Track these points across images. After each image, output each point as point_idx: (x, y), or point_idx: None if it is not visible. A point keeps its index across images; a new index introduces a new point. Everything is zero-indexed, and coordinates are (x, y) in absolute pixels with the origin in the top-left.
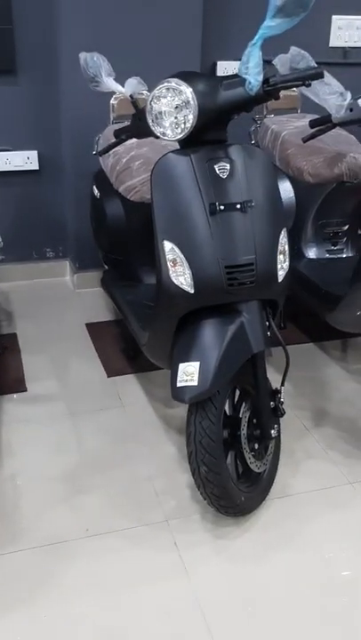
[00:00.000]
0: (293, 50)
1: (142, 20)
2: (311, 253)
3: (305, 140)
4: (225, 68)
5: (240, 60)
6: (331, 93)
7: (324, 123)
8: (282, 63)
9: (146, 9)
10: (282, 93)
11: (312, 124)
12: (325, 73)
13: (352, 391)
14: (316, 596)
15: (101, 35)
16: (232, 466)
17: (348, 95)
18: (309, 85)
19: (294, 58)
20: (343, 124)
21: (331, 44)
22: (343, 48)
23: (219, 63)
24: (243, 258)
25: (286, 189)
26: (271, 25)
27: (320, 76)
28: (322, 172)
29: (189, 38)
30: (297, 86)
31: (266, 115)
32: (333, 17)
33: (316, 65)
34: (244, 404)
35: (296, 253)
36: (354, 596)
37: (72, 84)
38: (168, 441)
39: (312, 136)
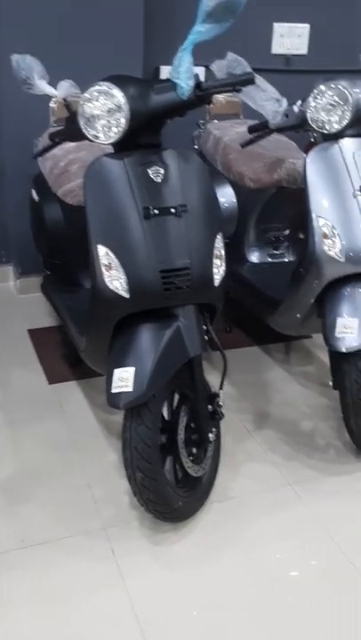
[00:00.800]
0: (230, 56)
1: (82, 23)
2: (254, 258)
3: (243, 146)
4: (168, 72)
5: (197, 65)
6: (267, 99)
7: (261, 129)
8: (219, 68)
9: (85, 11)
10: (224, 99)
11: (250, 129)
12: (261, 79)
13: (294, 393)
14: (261, 597)
15: (38, 37)
16: (170, 471)
17: (285, 101)
18: (240, 91)
19: (231, 63)
20: (280, 129)
21: (273, 52)
22: (285, 55)
23: (162, 67)
24: (178, 262)
25: (228, 194)
26: (201, 30)
27: (250, 81)
28: (262, 177)
29: (131, 42)
30: (228, 91)
31: (209, 120)
32: (275, 24)
33: (250, 71)
34: (182, 409)
35: (239, 258)
36: (300, 595)
37: (11, 86)
38: (109, 447)
39: (250, 142)
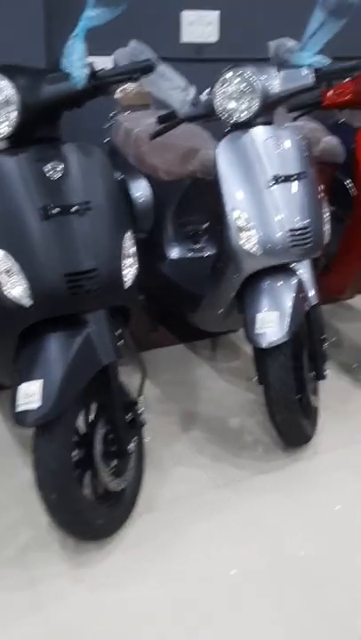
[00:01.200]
0: (133, 43)
1: None
2: (173, 253)
3: (152, 138)
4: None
5: (103, 55)
6: (173, 88)
7: (170, 119)
8: (121, 57)
9: None
10: (134, 89)
11: (160, 119)
12: (167, 67)
13: (221, 390)
14: (197, 602)
15: None
16: (90, 487)
17: (192, 90)
18: (138, 79)
19: (134, 51)
20: (189, 119)
21: (183, 40)
22: (195, 44)
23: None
24: (84, 264)
25: (143, 188)
26: (92, 15)
27: (149, 68)
28: (175, 169)
29: (31, 28)
30: (126, 80)
31: (119, 111)
32: (183, 12)
33: (154, 59)
34: (100, 420)
35: (158, 254)
36: (240, 596)
37: None
38: (24, 466)
39: (158, 133)
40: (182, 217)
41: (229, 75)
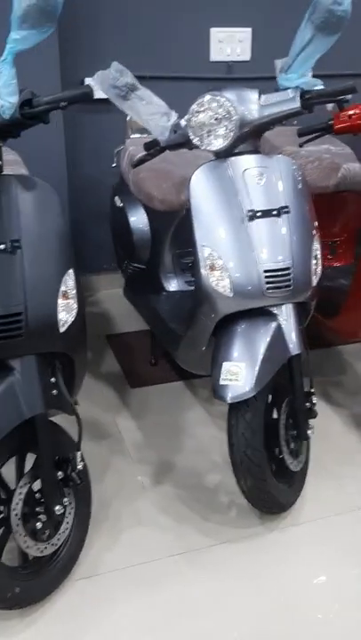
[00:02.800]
0: (114, 65)
1: None
2: (170, 286)
3: (134, 166)
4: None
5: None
6: (153, 113)
7: (153, 146)
8: (101, 80)
9: None
10: None
11: (145, 147)
12: (147, 92)
13: (208, 439)
14: None
15: None
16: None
17: (174, 115)
18: (65, 108)
19: (114, 74)
20: (168, 147)
21: (212, 59)
22: (226, 62)
23: (86, 79)
24: (10, 307)
25: (140, 218)
26: (17, 38)
27: (87, 96)
28: (170, 198)
29: (46, 54)
30: (60, 108)
31: (130, 135)
32: (212, 29)
33: (133, 82)
34: (26, 474)
35: (155, 286)
36: None
37: None
38: None
39: (140, 161)
40: (178, 248)
41: (206, 99)
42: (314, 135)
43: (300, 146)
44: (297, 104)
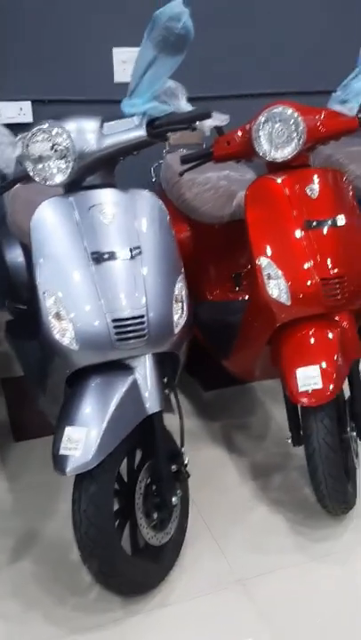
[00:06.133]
0: None
1: None
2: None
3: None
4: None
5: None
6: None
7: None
8: None
9: None
10: None
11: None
12: None
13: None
14: None
15: None
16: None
17: (19, 147)
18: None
19: None
20: (16, 181)
21: (116, 80)
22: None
23: None
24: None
25: (17, 253)
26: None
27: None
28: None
29: None
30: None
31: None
32: (115, 50)
33: None
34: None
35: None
36: None
37: None
38: None
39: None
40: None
41: (41, 128)
42: (195, 163)
43: (180, 174)
44: (142, 132)
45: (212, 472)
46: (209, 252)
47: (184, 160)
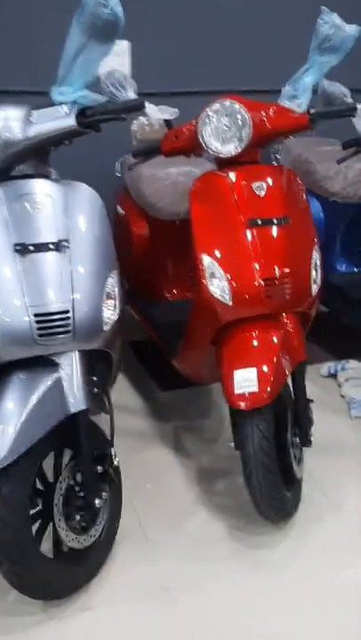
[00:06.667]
0: None
1: None
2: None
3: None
4: None
5: None
6: None
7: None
8: None
9: None
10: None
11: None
12: None
13: None
14: None
15: None
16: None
17: None
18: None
19: None
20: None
21: None
22: None
23: None
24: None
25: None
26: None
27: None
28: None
29: None
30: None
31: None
32: None
33: None
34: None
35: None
36: None
37: None
38: None
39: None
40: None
41: None
42: (143, 158)
43: (130, 169)
44: (72, 121)
45: (158, 474)
46: (168, 249)
47: (135, 153)
